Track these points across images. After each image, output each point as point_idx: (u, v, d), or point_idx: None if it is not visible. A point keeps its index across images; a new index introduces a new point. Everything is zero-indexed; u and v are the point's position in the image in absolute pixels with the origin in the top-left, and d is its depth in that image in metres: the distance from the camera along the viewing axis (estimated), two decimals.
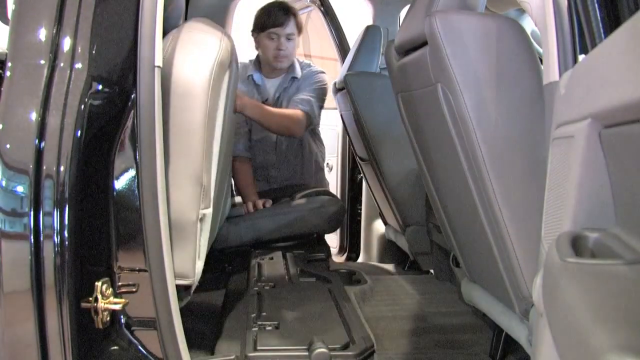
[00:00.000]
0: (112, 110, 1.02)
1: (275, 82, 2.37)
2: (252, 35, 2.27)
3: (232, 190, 2.49)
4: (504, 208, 1.11)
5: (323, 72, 2.40)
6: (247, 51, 2.76)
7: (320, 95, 2.34)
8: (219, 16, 2.58)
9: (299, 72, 2.35)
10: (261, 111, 2.14)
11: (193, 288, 1.28)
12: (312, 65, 2.44)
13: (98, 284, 0.98)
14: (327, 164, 2.89)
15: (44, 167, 0.90)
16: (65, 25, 0.97)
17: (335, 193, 2.85)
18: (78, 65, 0.96)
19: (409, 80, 1.39)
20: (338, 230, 2.89)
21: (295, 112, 2.22)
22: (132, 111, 1.03)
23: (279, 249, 2.16)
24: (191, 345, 1.14)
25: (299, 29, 2.28)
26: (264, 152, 2.48)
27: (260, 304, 1.57)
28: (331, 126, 2.87)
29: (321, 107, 2.39)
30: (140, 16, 1.03)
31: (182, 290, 1.23)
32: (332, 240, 2.87)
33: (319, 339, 1.29)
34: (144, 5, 1.03)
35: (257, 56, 2.38)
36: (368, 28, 2.45)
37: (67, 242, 0.91)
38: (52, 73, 0.94)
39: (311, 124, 2.35)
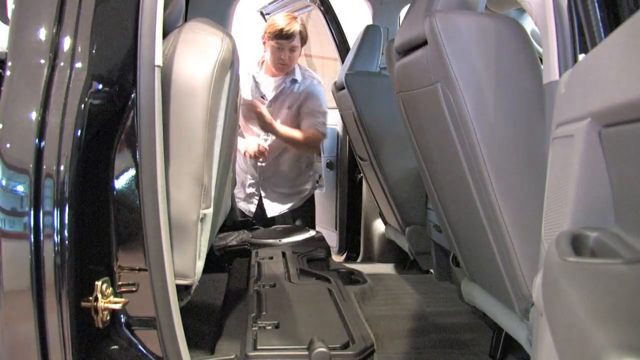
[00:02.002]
0: (112, 109, 1.02)
1: (275, 81, 2.55)
2: (262, 37, 2.49)
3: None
4: (504, 208, 1.11)
5: (320, 82, 2.63)
6: (247, 52, 2.77)
7: (326, 112, 2.60)
8: (219, 16, 2.58)
9: (298, 76, 2.56)
10: (280, 130, 2.45)
11: (193, 288, 1.28)
12: (309, 70, 2.68)
13: (98, 283, 0.98)
14: (328, 162, 2.90)
15: (44, 167, 0.90)
16: (65, 25, 0.96)
17: (335, 193, 2.85)
18: (78, 65, 0.96)
19: (409, 80, 1.39)
20: (338, 230, 2.90)
21: (315, 135, 2.52)
22: (132, 111, 1.03)
23: (279, 248, 2.16)
24: (191, 345, 1.14)
25: (303, 41, 2.50)
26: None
27: (260, 304, 1.57)
28: (331, 126, 2.88)
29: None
30: (140, 16, 1.02)
31: (182, 290, 1.23)
32: (332, 240, 2.88)
33: (319, 339, 1.29)
34: (144, 5, 1.03)
35: (263, 55, 2.56)
36: (368, 28, 2.45)
37: (67, 242, 0.91)
38: (52, 72, 0.94)
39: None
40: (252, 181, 2.68)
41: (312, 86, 2.58)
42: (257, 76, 2.57)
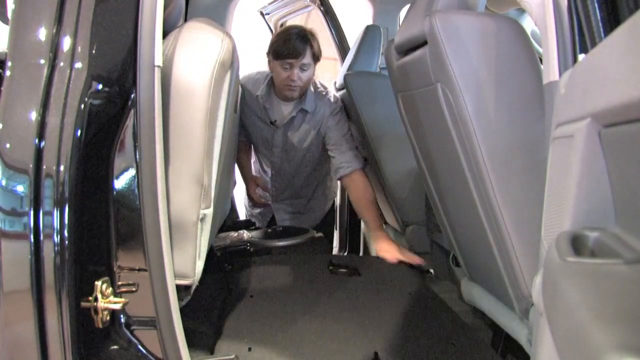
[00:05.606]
0: (112, 109, 1.02)
1: (287, 108, 2.23)
2: (267, 57, 2.13)
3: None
4: (504, 208, 1.11)
5: (339, 102, 2.25)
6: (246, 52, 2.76)
7: (351, 134, 2.25)
8: (219, 16, 2.58)
9: (310, 105, 2.19)
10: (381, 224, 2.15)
11: (193, 288, 1.28)
12: (327, 90, 2.25)
13: (98, 283, 0.98)
14: None
15: (44, 167, 0.91)
16: (65, 25, 0.97)
17: (335, 193, 2.85)
18: (78, 65, 0.96)
19: (409, 80, 1.39)
20: (338, 230, 2.89)
21: (363, 184, 2.16)
22: (132, 111, 1.03)
23: (279, 248, 2.16)
24: (191, 345, 1.14)
25: (316, 58, 2.10)
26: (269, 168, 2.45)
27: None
28: None
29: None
30: (140, 16, 1.03)
31: (182, 290, 1.24)
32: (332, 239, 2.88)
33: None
34: (144, 5, 1.03)
35: (272, 77, 2.21)
36: (368, 28, 2.45)
37: (67, 242, 0.91)
38: (52, 72, 0.94)
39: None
40: (260, 209, 2.60)
41: (329, 115, 2.19)
42: (265, 100, 2.20)
